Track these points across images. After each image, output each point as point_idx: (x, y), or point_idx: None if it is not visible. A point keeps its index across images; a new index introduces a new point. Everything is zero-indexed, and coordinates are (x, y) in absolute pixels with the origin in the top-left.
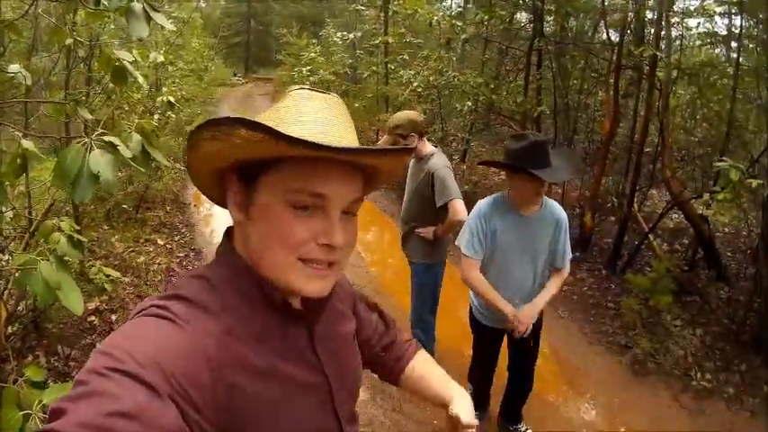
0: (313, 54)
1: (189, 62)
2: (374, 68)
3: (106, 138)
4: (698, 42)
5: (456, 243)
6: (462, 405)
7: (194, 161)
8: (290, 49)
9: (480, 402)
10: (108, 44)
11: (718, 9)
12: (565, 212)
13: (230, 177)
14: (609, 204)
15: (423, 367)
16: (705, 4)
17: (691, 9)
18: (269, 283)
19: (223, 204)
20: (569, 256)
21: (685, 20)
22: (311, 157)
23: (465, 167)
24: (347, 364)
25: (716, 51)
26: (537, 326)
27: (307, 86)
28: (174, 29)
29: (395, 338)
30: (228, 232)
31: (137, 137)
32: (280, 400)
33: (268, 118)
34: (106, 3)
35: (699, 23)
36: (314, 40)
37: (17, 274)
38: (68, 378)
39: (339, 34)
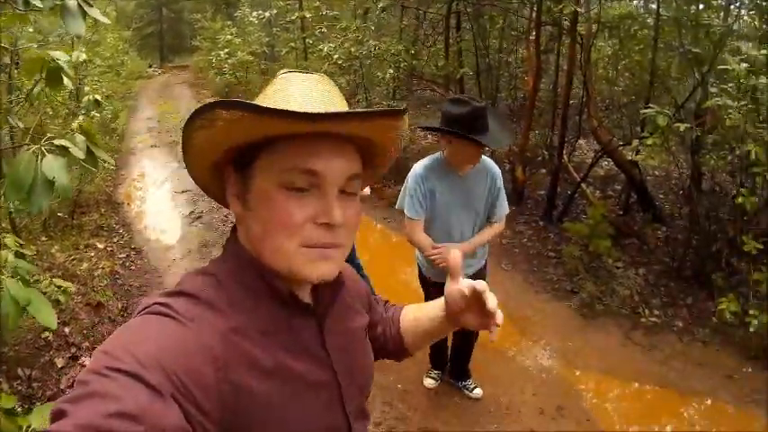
0: (229, 36)
1: (106, 58)
2: (292, 44)
3: (56, 141)
4: None
5: (397, 206)
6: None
7: (191, 159)
8: (206, 34)
9: (437, 363)
10: (27, 49)
11: None
12: (498, 167)
13: (227, 170)
14: (539, 158)
15: (411, 314)
16: None
17: None
18: (275, 276)
19: (220, 200)
20: (506, 210)
21: None
22: (300, 134)
23: None
24: (357, 360)
25: (635, 3)
26: (479, 277)
27: (294, 70)
28: (108, 21)
29: (385, 319)
30: (234, 228)
31: (81, 138)
32: (287, 399)
33: (258, 102)
34: (39, 3)
35: None
36: (229, 22)
37: None
38: (35, 400)
39: (254, 14)
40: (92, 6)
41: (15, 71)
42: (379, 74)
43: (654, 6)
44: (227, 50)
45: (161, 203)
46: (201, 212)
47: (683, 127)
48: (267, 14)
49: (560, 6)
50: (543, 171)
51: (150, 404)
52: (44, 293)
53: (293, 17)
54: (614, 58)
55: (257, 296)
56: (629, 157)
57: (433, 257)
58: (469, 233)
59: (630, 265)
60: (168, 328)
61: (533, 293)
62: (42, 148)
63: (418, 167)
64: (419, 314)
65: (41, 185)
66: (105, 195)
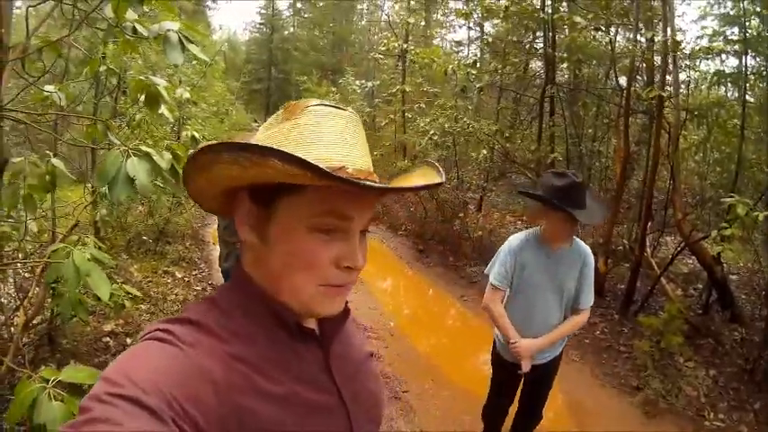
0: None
1: (211, 104)
2: (392, 116)
3: (143, 148)
4: (705, 83)
5: (486, 271)
6: None
7: (201, 180)
8: (310, 97)
9: None
10: (134, 78)
11: (726, 47)
12: (591, 254)
13: (242, 196)
14: (620, 248)
15: None
16: (710, 44)
17: (696, 49)
18: (283, 307)
19: (216, 212)
20: (591, 300)
21: (693, 61)
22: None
23: (481, 216)
24: (365, 387)
25: (723, 91)
26: (552, 366)
27: (325, 102)
28: (207, 59)
29: None
30: (240, 255)
31: (168, 155)
32: (294, 425)
33: (285, 136)
34: (144, 32)
35: (706, 63)
36: (333, 88)
37: (49, 268)
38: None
39: (358, 83)
40: (192, 42)
41: (122, 98)
42: (473, 154)
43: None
44: None
45: None
46: None
47: (761, 215)
48: (370, 84)
49: (647, 90)
50: (626, 265)
51: (150, 428)
52: (112, 295)
53: (394, 90)
54: (703, 148)
55: (262, 324)
56: (712, 253)
57: (509, 344)
58: (552, 319)
59: (702, 364)
60: (168, 354)
61: (598, 387)
62: (129, 151)
63: (514, 239)
64: None
65: (123, 181)
66: (192, 231)
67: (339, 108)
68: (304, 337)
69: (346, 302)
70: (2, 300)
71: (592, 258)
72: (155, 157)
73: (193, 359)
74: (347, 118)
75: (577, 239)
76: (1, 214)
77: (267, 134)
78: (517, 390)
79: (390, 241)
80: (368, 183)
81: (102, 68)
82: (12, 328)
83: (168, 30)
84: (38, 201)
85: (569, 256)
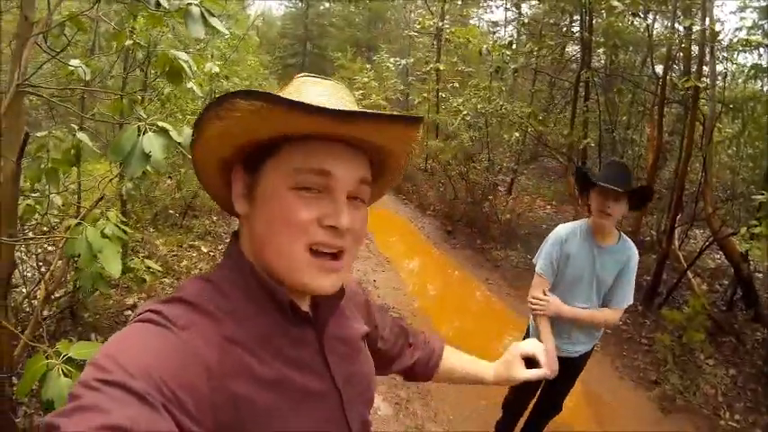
0: (366, 78)
1: (244, 78)
2: (425, 95)
3: (159, 123)
4: (742, 76)
5: (533, 260)
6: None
7: (199, 150)
8: (344, 73)
9: (505, 430)
10: (165, 50)
11: (765, 41)
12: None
13: (236, 170)
14: (648, 239)
15: (456, 360)
16: (749, 36)
17: (734, 41)
18: (275, 283)
19: (229, 208)
20: (629, 300)
21: (731, 53)
22: (315, 135)
23: (511, 199)
24: (358, 369)
25: (760, 86)
26: (582, 360)
27: (312, 74)
28: (228, 34)
29: (415, 339)
30: (236, 234)
31: (188, 130)
32: (287, 410)
33: None
34: (166, 4)
35: (744, 56)
36: (367, 65)
37: (66, 243)
38: None
39: (392, 60)
40: (213, 16)
41: (152, 72)
42: (505, 136)
43: None
44: (362, 92)
45: None
46: None
47: None
48: (404, 62)
49: (683, 80)
50: (653, 256)
51: (140, 415)
52: (132, 269)
53: (429, 68)
54: (736, 142)
55: (257, 304)
56: (740, 250)
57: (534, 303)
58: (589, 309)
59: (722, 362)
60: (159, 337)
61: (617, 379)
62: (146, 126)
63: (561, 229)
64: (465, 364)
65: (138, 156)
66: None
67: (323, 78)
68: (298, 320)
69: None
70: (26, 273)
71: (636, 258)
72: (171, 133)
73: (186, 343)
74: (332, 85)
75: (625, 237)
76: (25, 189)
77: None
78: (540, 385)
79: (418, 221)
80: (320, 107)
81: (129, 42)
82: (34, 302)
83: (189, 2)
84: (63, 175)
85: (615, 253)
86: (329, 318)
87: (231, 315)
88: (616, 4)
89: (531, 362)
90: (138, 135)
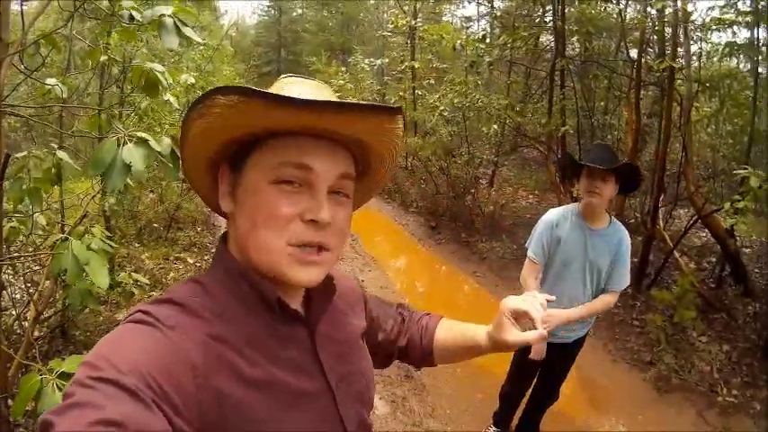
0: (342, 81)
1: None
2: (402, 94)
3: (139, 134)
4: (717, 55)
5: (526, 245)
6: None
7: (187, 150)
8: (320, 77)
9: (503, 420)
10: (140, 63)
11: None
12: (629, 236)
13: (223, 168)
14: (633, 221)
15: (448, 328)
16: (722, 15)
17: (707, 21)
18: (262, 281)
19: (218, 209)
20: (626, 282)
21: (705, 32)
22: (296, 131)
23: (493, 191)
24: (353, 368)
25: (735, 63)
26: (577, 346)
27: (295, 75)
28: (203, 44)
29: (410, 319)
30: (225, 235)
31: (167, 140)
32: (277, 411)
33: None
34: (139, 17)
35: (718, 35)
36: (343, 68)
37: (52, 259)
38: None
39: (367, 61)
40: (186, 26)
41: (128, 86)
42: (484, 129)
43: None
44: (338, 95)
45: None
46: None
47: None
48: (379, 62)
49: (658, 61)
50: (639, 238)
51: (133, 410)
52: (120, 284)
53: (404, 67)
54: (715, 120)
55: (246, 305)
56: (725, 226)
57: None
58: (580, 297)
59: (715, 339)
60: (148, 336)
61: (610, 362)
62: (126, 138)
63: (552, 214)
64: (456, 336)
65: (119, 168)
66: (203, 216)
67: (309, 78)
68: (288, 318)
69: (332, 280)
70: (15, 295)
71: (628, 241)
72: (151, 143)
73: (174, 342)
74: (315, 84)
75: (616, 220)
76: (8, 210)
77: None
78: (537, 370)
79: (402, 219)
80: (291, 97)
81: (104, 58)
82: (24, 323)
83: (162, 14)
84: (45, 194)
85: (606, 236)
86: (321, 316)
87: (218, 316)
88: None
89: (524, 348)
90: (118, 147)
